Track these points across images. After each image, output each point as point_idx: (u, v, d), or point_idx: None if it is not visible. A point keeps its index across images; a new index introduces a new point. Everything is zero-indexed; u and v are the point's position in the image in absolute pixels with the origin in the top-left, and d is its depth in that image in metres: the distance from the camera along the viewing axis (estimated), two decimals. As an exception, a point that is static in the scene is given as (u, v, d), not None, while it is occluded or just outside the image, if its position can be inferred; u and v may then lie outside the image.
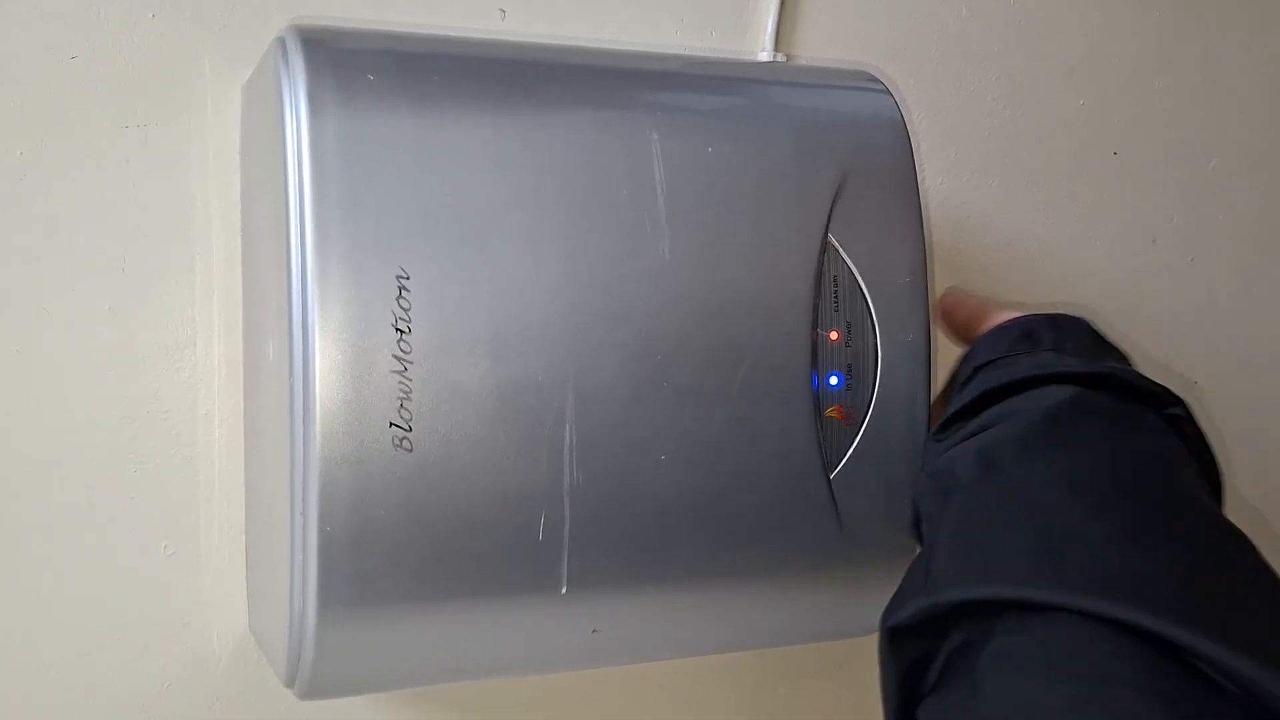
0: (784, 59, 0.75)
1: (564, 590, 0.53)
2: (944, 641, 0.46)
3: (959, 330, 0.65)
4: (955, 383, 0.60)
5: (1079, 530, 0.46)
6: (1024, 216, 0.84)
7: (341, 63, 0.52)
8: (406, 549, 0.50)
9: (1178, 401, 0.54)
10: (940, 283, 0.69)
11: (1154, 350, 0.87)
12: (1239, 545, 0.46)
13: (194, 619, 0.66)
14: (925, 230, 0.60)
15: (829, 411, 0.57)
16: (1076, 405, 0.52)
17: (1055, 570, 0.44)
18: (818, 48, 0.76)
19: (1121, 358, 0.59)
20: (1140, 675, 0.40)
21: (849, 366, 0.57)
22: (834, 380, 0.57)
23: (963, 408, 0.55)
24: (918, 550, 0.60)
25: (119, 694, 0.65)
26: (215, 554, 0.66)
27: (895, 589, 0.61)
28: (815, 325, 0.57)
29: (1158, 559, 0.44)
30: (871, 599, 0.61)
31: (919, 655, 0.47)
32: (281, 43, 0.53)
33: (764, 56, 0.74)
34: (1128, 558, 0.44)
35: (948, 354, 0.65)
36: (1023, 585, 0.44)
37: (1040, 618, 0.43)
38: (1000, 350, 0.58)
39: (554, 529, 0.52)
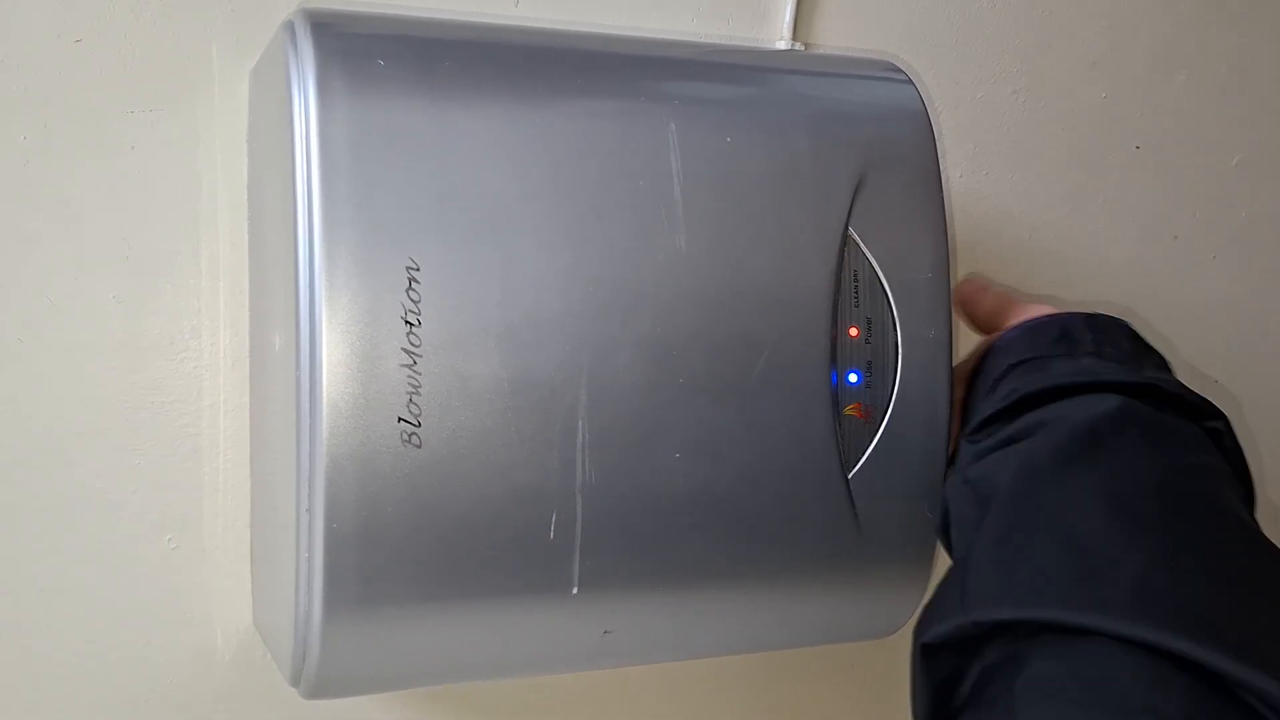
0: (802, 48, 0.73)
1: (575, 590, 0.52)
2: (977, 659, 0.45)
3: (981, 321, 0.63)
4: (982, 376, 0.58)
5: (1120, 551, 0.44)
6: (1045, 211, 0.82)
7: (351, 48, 0.51)
8: (414, 547, 0.49)
9: (1218, 415, 0.53)
10: (959, 278, 0.68)
11: (1175, 348, 0.86)
12: None
13: (198, 613, 0.65)
14: (948, 225, 0.59)
15: (848, 409, 0.56)
16: (1119, 417, 0.50)
17: (1095, 593, 0.43)
18: (836, 37, 0.75)
19: (1161, 363, 0.57)
20: (1183, 707, 0.38)
21: (869, 364, 0.56)
22: (853, 377, 0.56)
23: (999, 411, 0.54)
24: (937, 547, 0.60)
25: (122, 686, 0.65)
26: (220, 547, 0.65)
27: (911, 590, 0.60)
28: (835, 321, 0.55)
29: (1202, 584, 0.43)
30: (889, 601, 0.60)
31: (951, 671, 0.46)
32: (290, 27, 0.52)
33: (782, 45, 0.73)
34: (1170, 581, 0.43)
35: (969, 347, 0.64)
36: (1062, 608, 0.43)
37: (1078, 642, 0.42)
38: (1037, 350, 0.56)
39: (565, 528, 0.51)
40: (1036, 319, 0.59)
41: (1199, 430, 0.52)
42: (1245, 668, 0.38)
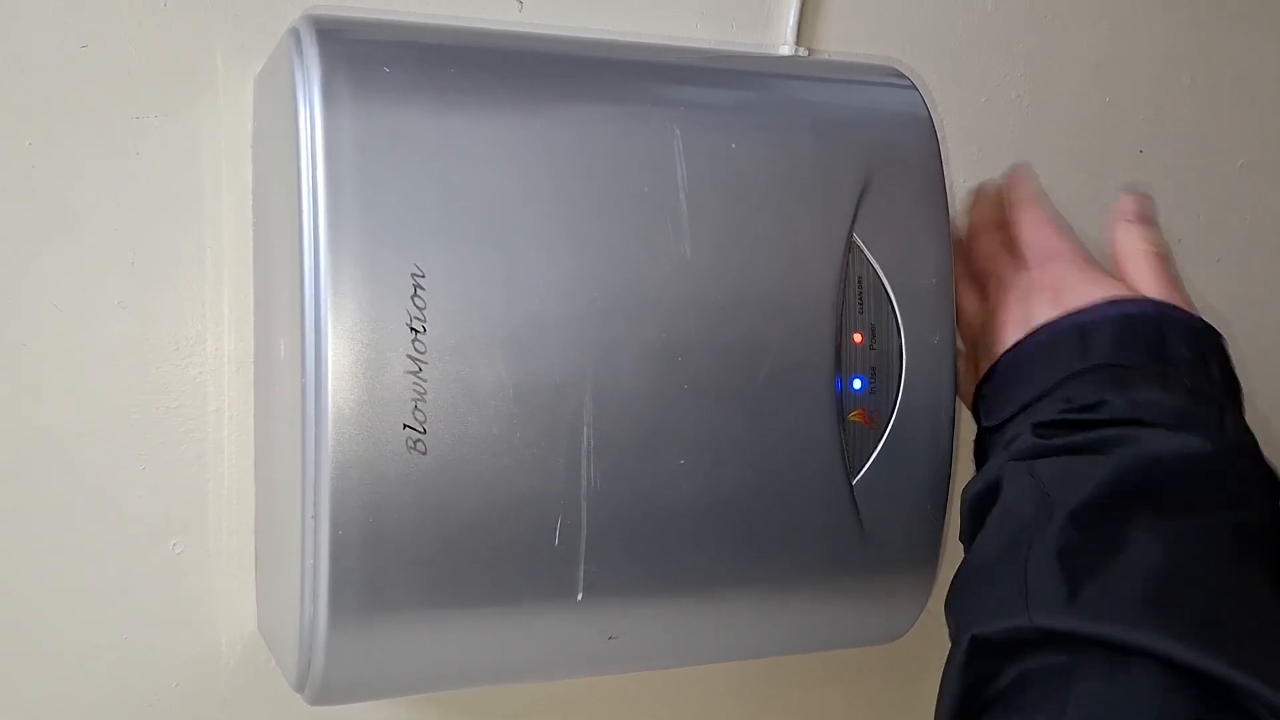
0: (805, 53, 0.73)
1: (580, 597, 0.52)
2: (1018, 660, 0.45)
3: (1023, 251, 0.60)
4: (1056, 345, 0.55)
5: (1188, 588, 0.45)
6: (1049, 215, 0.82)
7: (356, 55, 0.51)
8: (420, 553, 0.49)
9: None
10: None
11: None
12: None
13: (202, 618, 0.65)
14: (952, 231, 0.59)
15: (852, 416, 0.56)
16: (1210, 464, 0.49)
17: (1160, 619, 0.43)
18: (839, 42, 0.75)
19: (1239, 400, 0.55)
20: None
21: (873, 370, 0.56)
22: (857, 384, 0.56)
23: (1082, 419, 0.52)
24: (942, 553, 0.59)
25: (126, 691, 0.65)
26: (224, 552, 0.65)
27: (916, 596, 0.60)
28: (839, 327, 0.55)
29: (1259, 629, 0.43)
30: (893, 606, 0.60)
31: (991, 668, 0.46)
32: (295, 34, 0.52)
33: (785, 50, 0.73)
34: (1234, 620, 0.43)
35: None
36: (1126, 627, 0.43)
37: (1132, 664, 0.42)
38: (1130, 357, 0.53)
39: (570, 534, 0.51)
40: (1133, 309, 0.55)
41: (1275, 507, 0.51)
42: None
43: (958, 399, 0.59)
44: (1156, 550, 0.46)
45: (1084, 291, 0.56)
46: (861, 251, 0.56)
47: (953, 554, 0.60)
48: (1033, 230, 0.61)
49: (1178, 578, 0.45)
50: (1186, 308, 0.56)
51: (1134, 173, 0.85)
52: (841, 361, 0.56)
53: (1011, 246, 0.62)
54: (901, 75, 0.62)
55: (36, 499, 0.62)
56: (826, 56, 0.74)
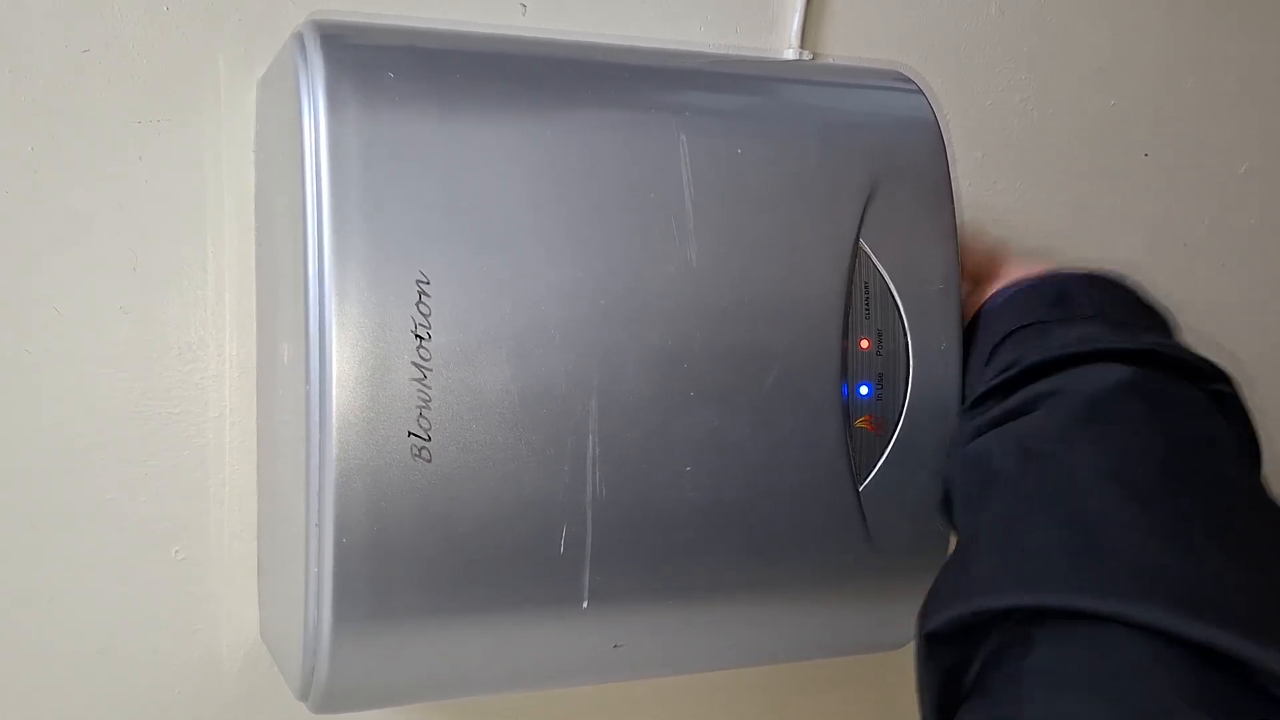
0: (809, 57, 0.73)
1: (585, 605, 0.52)
2: (982, 645, 0.44)
3: (970, 271, 0.61)
4: (977, 343, 0.57)
5: (1127, 532, 0.43)
6: (1053, 219, 0.82)
7: (361, 60, 0.50)
8: (424, 561, 0.49)
9: (1222, 376, 0.51)
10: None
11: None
12: None
13: (204, 624, 0.65)
14: (959, 236, 0.58)
15: (859, 422, 0.56)
16: (1121, 389, 0.49)
17: (1101, 576, 0.41)
18: (843, 46, 0.75)
19: (1162, 322, 0.56)
20: (1192, 692, 0.37)
21: (880, 376, 0.56)
22: (864, 390, 0.56)
23: (998, 385, 0.53)
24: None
25: (127, 696, 0.64)
26: (226, 558, 0.65)
27: (919, 602, 0.59)
28: (846, 333, 0.55)
29: (1210, 562, 0.41)
30: (900, 613, 0.60)
31: (957, 659, 0.45)
32: (300, 39, 0.51)
33: (789, 54, 0.72)
34: (1181, 561, 0.41)
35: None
36: (1063, 592, 0.41)
37: (1084, 627, 0.40)
38: (1034, 314, 0.55)
39: (576, 542, 0.51)
40: (1032, 279, 0.57)
41: (1204, 396, 0.50)
42: (1256, 647, 0.37)
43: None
44: (1082, 504, 0.45)
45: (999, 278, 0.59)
46: (868, 257, 0.56)
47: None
48: (985, 253, 0.63)
49: (1106, 529, 0.43)
50: (1078, 268, 0.58)
51: (1139, 176, 0.84)
52: (848, 367, 0.55)
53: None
54: (907, 79, 0.61)
55: (38, 504, 0.61)
56: (831, 60, 0.74)
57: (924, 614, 0.47)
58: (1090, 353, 0.51)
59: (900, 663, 0.77)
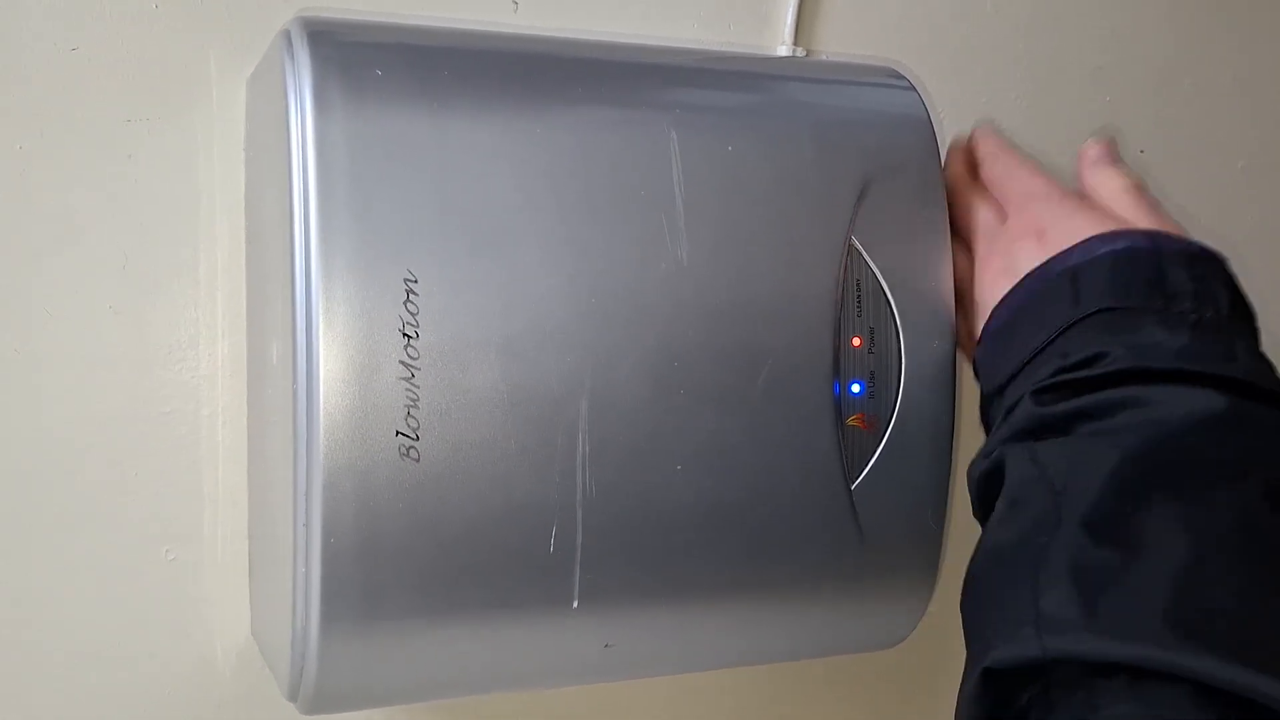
0: (803, 54, 0.73)
1: (575, 605, 0.51)
2: (1037, 687, 0.42)
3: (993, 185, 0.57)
4: (1046, 290, 0.51)
5: (1223, 587, 0.41)
6: (1049, 217, 0.82)
7: (348, 57, 0.50)
8: (413, 561, 0.49)
9: None
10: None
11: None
12: None
13: (196, 625, 0.65)
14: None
15: (851, 420, 0.55)
16: (1222, 426, 0.46)
17: (1188, 630, 0.39)
18: (837, 43, 0.75)
19: (1253, 326, 0.52)
20: None
21: (872, 374, 0.56)
22: (856, 388, 0.55)
23: (1081, 379, 0.48)
24: (941, 558, 0.59)
25: (120, 698, 0.64)
26: (218, 559, 0.65)
27: (915, 601, 0.59)
28: (837, 331, 0.55)
29: None
30: (893, 612, 0.60)
31: (1007, 697, 0.43)
32: (287, 36, 0.51)
33: (783, 51, 0.72)
34: (1269, 623, 0.40)
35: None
36: (1151, 648, 0.39)
37: (1159, 688, 0.38)
38: (1129, 296, 0.49)
39: (566, 541, 0.51)
40: (1122, 244, 0.51)
41: None
42: None
43: (956, 401, 0.58)
44: (1179, 546, 0.42)
45: (1069, 230, 0.53)
46: (860, 254, 0.56)
47: (952, 559, 0.60)
48: (1006, 176, 0.59)
49: (1206, 576, 0.41)
50: (1179, 234, 0.53)
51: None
52: (840, 366, 0.55)
53: (989, 198, 0.60)
54: (900, 76, 0.61)
55: (28, 505, 0.61)
56: (824, 58, 0.74)
57: (978, 625, 0.45)
58: (1189, 374, 0.47)
59: (894, 662, 0.77)
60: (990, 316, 0.55)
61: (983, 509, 0.51)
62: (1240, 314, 0.51)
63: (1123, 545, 0.43)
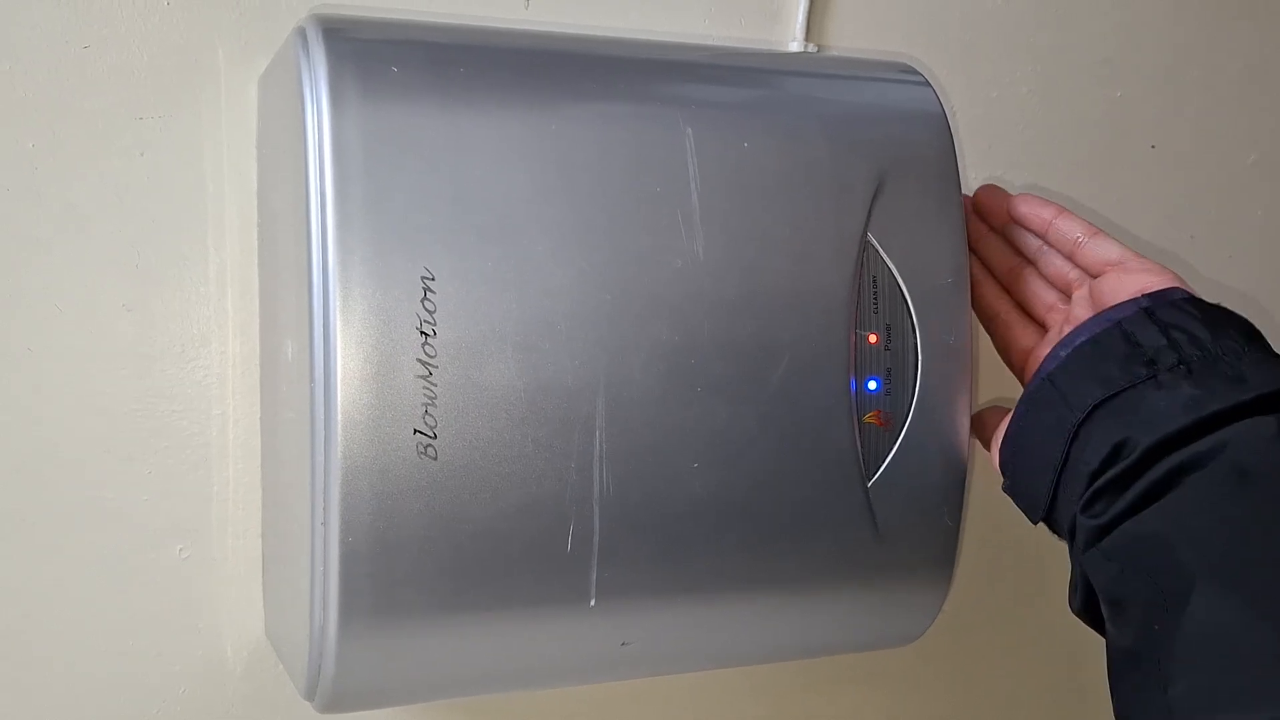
0: (814, 49, 0.73)
1: (593, 602, 0.51)
2: None
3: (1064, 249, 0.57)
4: (1045, 412, 0.52)
5: None
6: (1060, 212, 0.81)
7: (364, 54, 0.50)
8: (431, 560, 0.49)
9: None
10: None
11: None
12: None
13: (208, 624, 0.65)
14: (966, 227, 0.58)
15: (867, 417, 0.55)
16: (1269, 445, 0.45)
17: None
18: (848, 38, 0.75)
19: (1246, 329, 0.52)
20: None
21: (888, 370, 0.56)
22: (872, 385, 0.55)
23: (1117, 475, 0.49)
24: (957, 555, 0.58)
25: (132, 697, 0.64)
26: (230, 557, 0.64)
27: (931, 598, 0.59)
28: (853, 327, 0.55)
29: None
30: (909, 609, 0.60)
31: None
32: (302, 33, 0.51)
33: (794, 47, 0.72)
34: None
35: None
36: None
37: None
38: (1112, 382, 0.50)
39: (583, 539, 0.51)
40: (1083, 334, 0.53)
41: None
42: None
43: (972, 397, 0.58)
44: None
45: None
46: (876, 250, 0.55)
47: (968, 556, 0.60)
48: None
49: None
50: (1127, 294, 0.54)
51: (1145, 168, 0.84)
52: (856, 362, 0.55)
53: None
54: (914, 71, 0.61)
55: (41, 504, 0.61)
56: (834, 53, 0.74)
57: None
58: (1212, 416, 0.47)
59: (910, 659, 0.77)
60: (1001, 449, 0.56)
61: (1098, 624, 0.51)
62: (1225, 332, 0.51)
63: (1232, 616, 0.42)
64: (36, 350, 0.60)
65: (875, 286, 0.55)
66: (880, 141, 0.56)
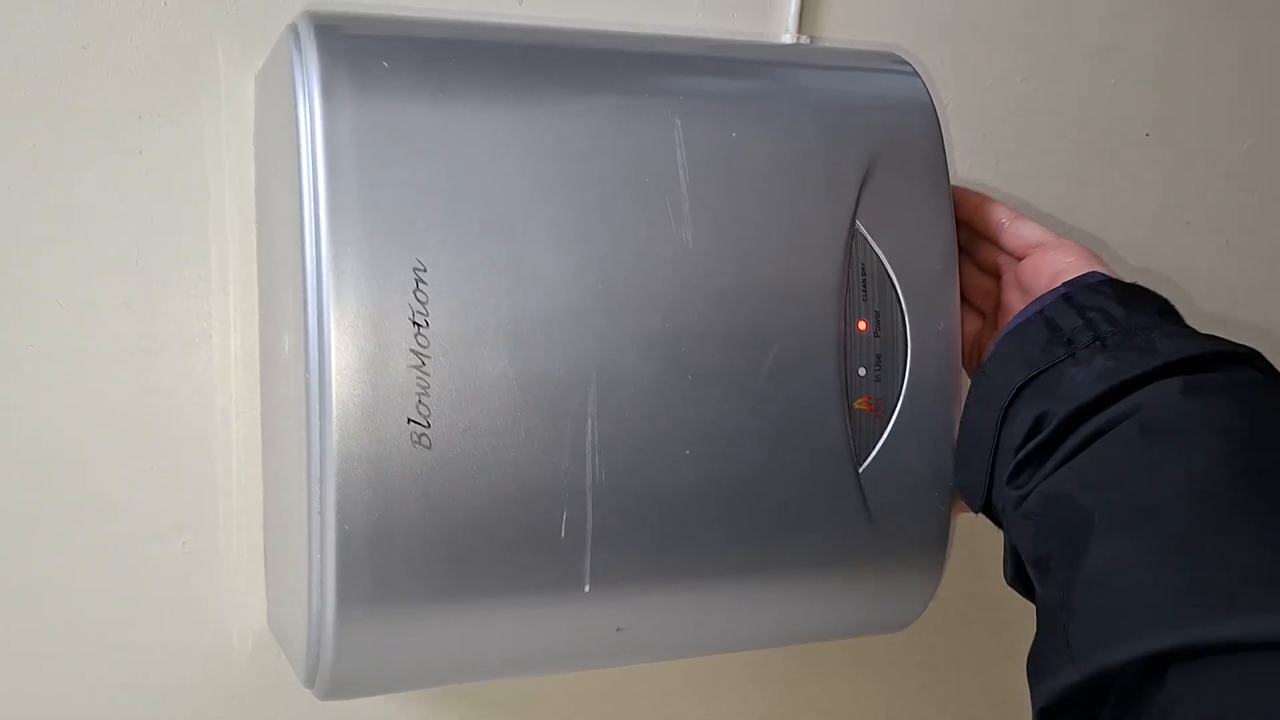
0: (807, 41, 0.73)
1: (587, 588, 0.52)
2: (1100, 714, 0.41)
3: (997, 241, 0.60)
4: (982, 399, 0.54)
5: (1236, 548, 0.40)
6: (1055, 200, 0.82)
7: (355, 50, 0.51)
8: (426, 547, 0.49)
9: (1248, 351, 0.50)
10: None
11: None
12: None
13: (212, 614, 0.65)
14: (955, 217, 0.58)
15: (857, 404, 0.56)
16: (1174, 402, 0.47)
17: (1222, 600, 0.38)
18: (841, 30, 0.75)
19: (1154, 301, 0.54)
20: None
21: (878, 357, 0.56)
22: (862, 371, 0.56)
23: (1035, 448, 0.51)
24: (950, 540, 0.59)
25: (136, 688, 0.65)
26: (233, 549, 0.65)
27: (924, 583, 0.60)
28: (843, 315, 0.55)
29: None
30: (902, 594, 0.60)
31: None
32: (294, 30, 0.52)
33: (787, 38, 0.72)
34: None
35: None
36: (1187, 626, 0.38)
37: (1215, 668, 0.37)
38: (1034, 363, 0.53)
39: (576, 526, 0.51)
40: (1014, 323, 0.55)
41: (1247, 373, 0.49)
42: None
43: (962, 383, 0.59)
44: (1173, 522, 0.43)
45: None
46: (865, 238, 0.56)
47: (961, 540, 0.60)
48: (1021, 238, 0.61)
49: (1214, 547, 0.41)
50: (1049, 284, 0.56)
51: (1141, 155, 0.84)
52: (846, 349, 0.55)
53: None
54: (903, 61, 0.61)
55: (44, 499, 0.62)
56: (827, 44, 0.74)
57: (1033, 684, 0.45)
58: (1122, 385, 0.49)
59: (903, 644, 0.78)
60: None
61: (1031, 593, 0.53)
62: (1139, 308, 0.53)
63: (1127, 548, 0.44)
64: (39, 348, 0.61)
65: (864, 274, 0.56)
66: (868, 130, 0.57)
